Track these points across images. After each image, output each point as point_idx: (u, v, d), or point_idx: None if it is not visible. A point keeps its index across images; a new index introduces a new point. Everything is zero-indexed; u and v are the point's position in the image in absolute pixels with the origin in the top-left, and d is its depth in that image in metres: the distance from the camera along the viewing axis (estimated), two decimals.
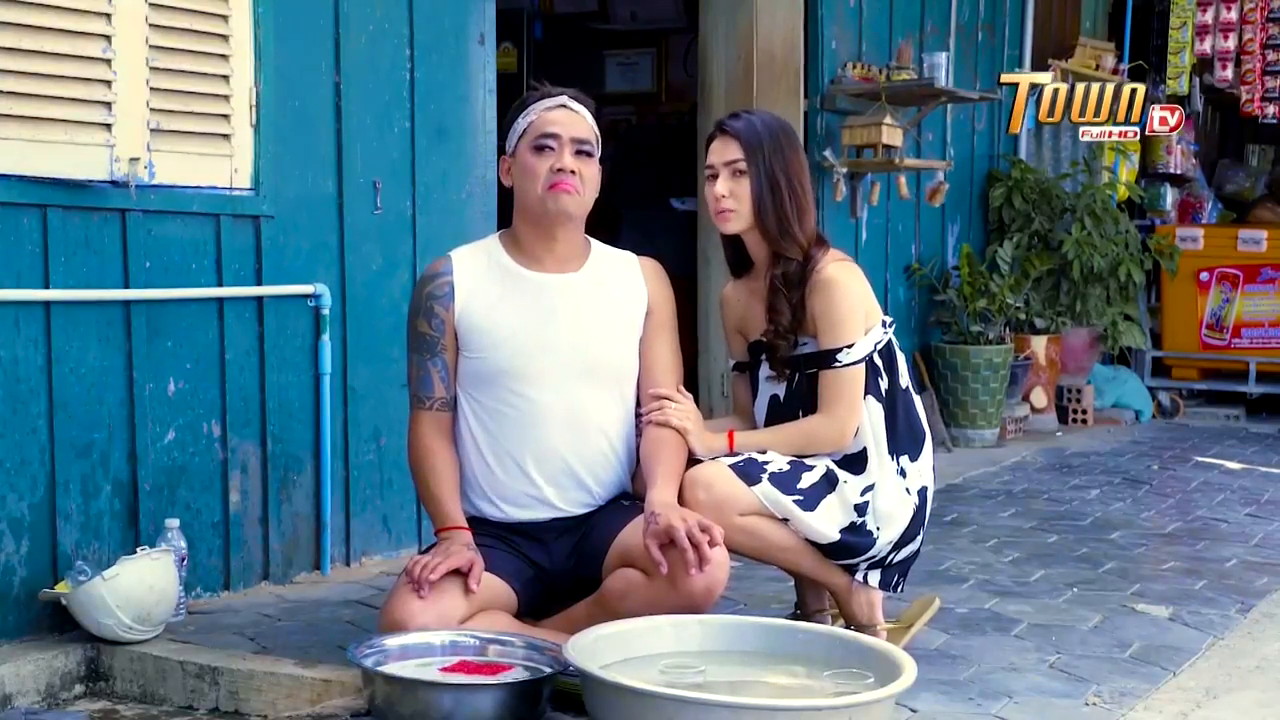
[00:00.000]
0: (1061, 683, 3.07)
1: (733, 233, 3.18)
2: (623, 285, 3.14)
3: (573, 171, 3.00)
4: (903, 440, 3.13)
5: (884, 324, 3.15)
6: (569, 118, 3.04)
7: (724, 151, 3.13)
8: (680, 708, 2.36)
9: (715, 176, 3.14)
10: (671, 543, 2.81)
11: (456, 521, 3.00)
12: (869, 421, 3.10)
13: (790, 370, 3.14)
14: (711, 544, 2.82)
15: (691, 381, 3.34)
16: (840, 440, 3.09)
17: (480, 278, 3.08)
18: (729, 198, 3.11)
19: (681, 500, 2.98)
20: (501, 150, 3.16)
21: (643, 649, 2.71)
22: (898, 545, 3.09)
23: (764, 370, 3.21)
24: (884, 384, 3.12)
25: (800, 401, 3.13)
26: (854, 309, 3.08)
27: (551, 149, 3.01)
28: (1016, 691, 2.99)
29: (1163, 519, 5.11)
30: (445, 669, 2.74)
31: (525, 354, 3.03)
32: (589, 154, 3.04)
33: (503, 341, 3.03)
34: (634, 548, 2.91)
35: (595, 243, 3.19)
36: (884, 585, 3.14)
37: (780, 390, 3.18)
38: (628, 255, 3.21)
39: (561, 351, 3.04)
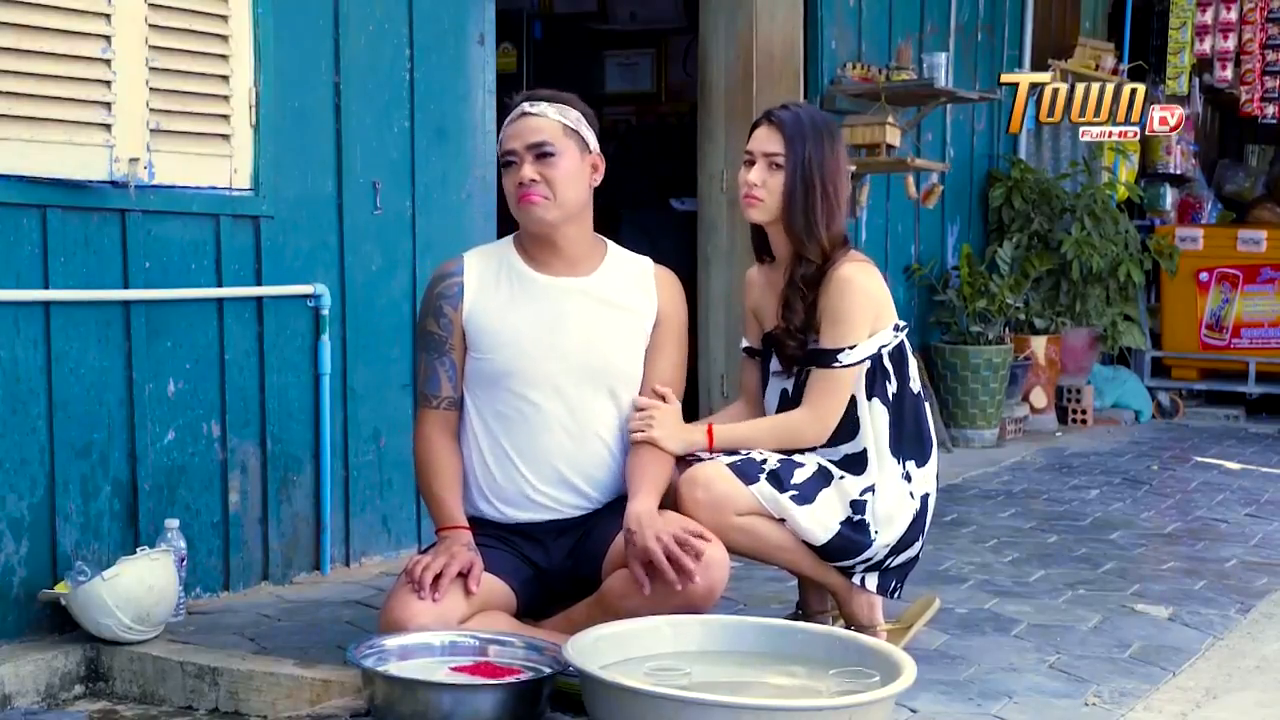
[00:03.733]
0: (1061, 683, 3.07)
1: (755, 221, 3.20)
2: (634, 292, 3.13)
3: (534, 180, 2.97)
4: (909, 445, 3.12)
5: (896, 328, 3.14)
6: (526, 125, 3.00)
7: (765, 141, 3.14)
8: (680, 708, 2.36)
9: (751, 163, 3.16)
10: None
11: (457, 521, 3.00)
12: (872, 424, 3.09)
13: (797, 367, 3.15)
14: (696, 557, 2.82)
15: (691, 382, 3.32)
16: (819, 438, 3.09)
17: (490, 279, 3.07)
18: (760, 187, 3.13)
19: (679, 499, 2.99)
20: None
21: (642, 649, 2.71)
22: (895, 550, 3.09)
23: (774, 365, 3.21)
24: (892, 388, 3.11)
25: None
26: (862, 311, 3.07)
27: (514, 163, 3.00)
28: (1016, 691, 2.99)
29: (1162, 519, 5.11)
30: (461, 669, 2.74)
31: (529, 357, 3.03)
32: (549, 154, 2.99)
33: (507, 344, 3.03)
34: None
35: (612, 245, 3.17)
36: (881, 590, 3.13)
37: (789, 385, 3.18)
38: (644, 261, 3.19)
39: (566, 356, 3.03)
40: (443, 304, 3.06)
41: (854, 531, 3.04)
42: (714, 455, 3.08)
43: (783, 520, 3.02)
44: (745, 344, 3.35)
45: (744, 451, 3.08)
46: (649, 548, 2.82)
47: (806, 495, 3.02)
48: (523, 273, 3.08)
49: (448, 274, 3.09)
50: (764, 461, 3.05)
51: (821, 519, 3.02)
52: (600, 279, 3.10)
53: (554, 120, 3.01)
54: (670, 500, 3.01)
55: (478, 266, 3.09)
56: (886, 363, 3.11)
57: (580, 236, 3.10)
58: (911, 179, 6.16)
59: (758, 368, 3.29)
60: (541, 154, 2.98)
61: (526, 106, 3.03)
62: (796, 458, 3.08)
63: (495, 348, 3.04)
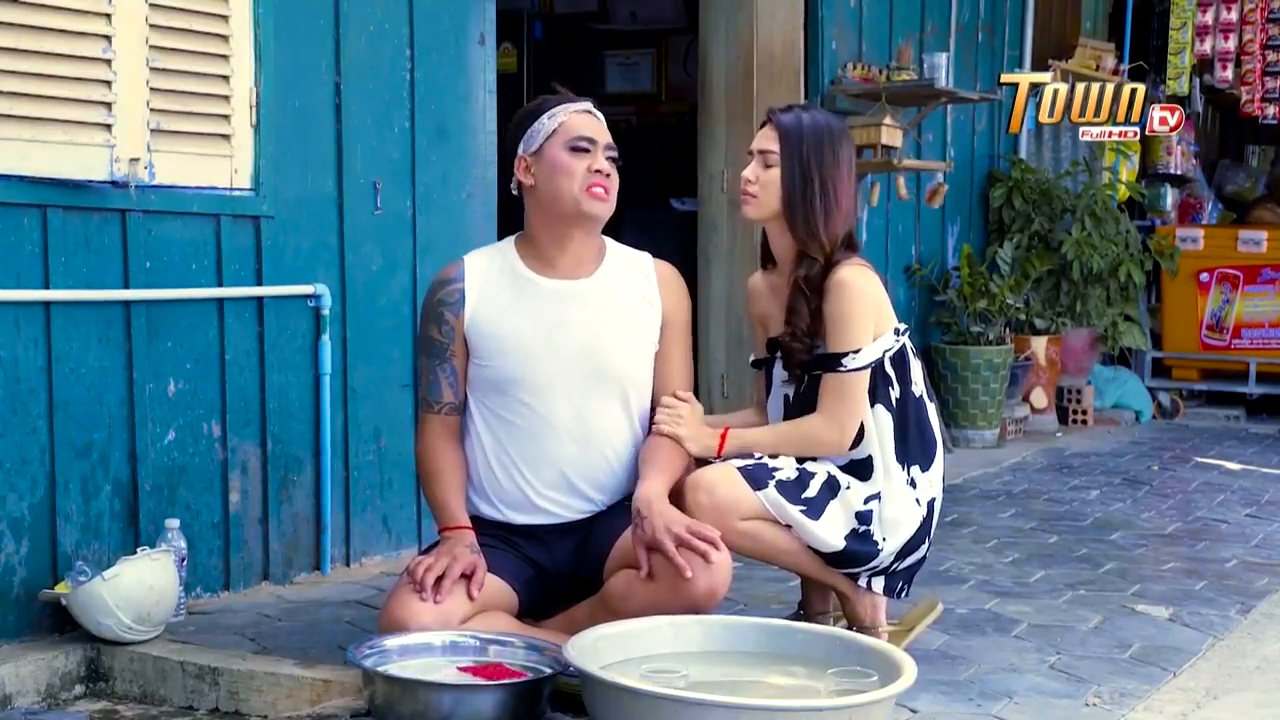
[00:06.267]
0: (1061, 683, 3.07)
1: (750, 218, 3.22)
2: (636, 290, 3.13)
3: (607, 174, 3.03)
4: (914, 450, 3.11)
5: (897, 331, 3.13)
6: (597, 125, 3.07)
7: (764, 139, 3.18)
8: (680, 708, 2.36)
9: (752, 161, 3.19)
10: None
11: (460, 522, 3.00)
12: (876, 430, 3.08)
13: (802, 372, 3.15)
14: (704, 557, 2.80)
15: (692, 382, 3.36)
16: (838, 445, 3.08)
17: (491, 284, 3.07)
18: (754, 184, 3.16)
19: (683, 502, 2.98)
20: (508, 150, 3.12)
21: (643, 650, 2.71)
22: (901, 554, 3.08)
23: (778, 369, 3.21)
24: (895, 393, 3.10)
25: (809, 403, 3.12)
26: (863, 313, 3.07)
27: (588, 151, 3.02)
28: (1016, 692, 2.99)
29: (1163, 519, 5.11)
30: (469, 669, 2.74)
31: (532, 363, 3.02)
32: (616, 161, 3.06)
33: (510, 350, 3.03)
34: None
35: (610, 243, 3.18)
36: (888, 591, 3.13)
37: (790, 392, 3.17)
38: (643, 257, 3.19)
39: (569, 360, 3.03)
40: (444, 311, 3.06)
41: (860, 543, 3.03)
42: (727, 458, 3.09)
43: (788, 526, 3.02)
44: (753, 358, 3.35)
45: (758, 455, 3.08)
46: (659, 540, 2.81)
47: (815, 511, 3.01)
48: (525, 276, 3.08)
49: (449, 280, 3.09)
50: (777, 469, 3.04)
51: (828, 533, 3.02)
52: (601, 280, 3.10)
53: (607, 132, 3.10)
54: (675, 503, 3.01)
55: (479, 271, 3.09)
56: (888, 368, 3.11)
57: (595, 238, 3.13)
58: (903, 180, 6.16)
59: (765, 378, 3.29)
60: (610, 158, 3.04)
61: (593, 109, 3.09)
62: (809, 466, 3.08)
63: (498, 354, 3.03)
